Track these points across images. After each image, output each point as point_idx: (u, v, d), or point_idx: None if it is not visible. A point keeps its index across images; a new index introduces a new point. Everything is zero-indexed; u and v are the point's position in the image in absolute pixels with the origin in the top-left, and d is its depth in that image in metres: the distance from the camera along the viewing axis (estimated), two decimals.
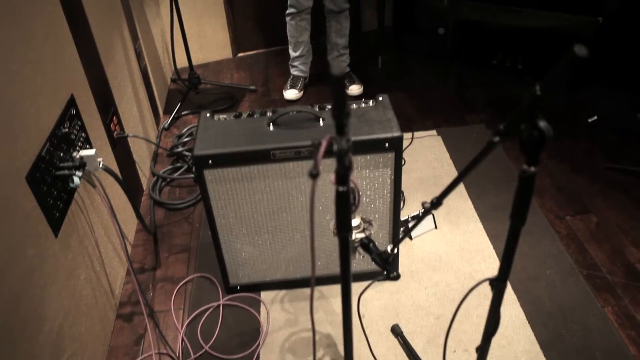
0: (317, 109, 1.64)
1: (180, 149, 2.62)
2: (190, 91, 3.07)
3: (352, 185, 0.85)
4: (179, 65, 3.33)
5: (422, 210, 2.09)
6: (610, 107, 2.79)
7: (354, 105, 1.64)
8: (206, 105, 3.11)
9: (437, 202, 1.06)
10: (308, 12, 2.92)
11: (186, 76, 3.08)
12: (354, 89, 3.03)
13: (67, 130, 1.59)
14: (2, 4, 1.30)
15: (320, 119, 1.58)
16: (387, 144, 1.51)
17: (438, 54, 3.30)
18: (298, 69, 3.14)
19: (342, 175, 0.77)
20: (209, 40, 3.58)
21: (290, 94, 3.08)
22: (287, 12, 2.94)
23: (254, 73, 3.46)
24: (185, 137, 2.74)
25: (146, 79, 2.76)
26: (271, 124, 1.58)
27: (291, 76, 3.17)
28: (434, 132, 2.66)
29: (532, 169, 0.82)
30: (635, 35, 2.80)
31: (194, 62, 3.38)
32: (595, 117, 2.66)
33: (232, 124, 1.61)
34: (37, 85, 1.45)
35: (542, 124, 0.78)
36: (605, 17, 2.53)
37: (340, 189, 0.79)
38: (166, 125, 2.89)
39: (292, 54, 3.11)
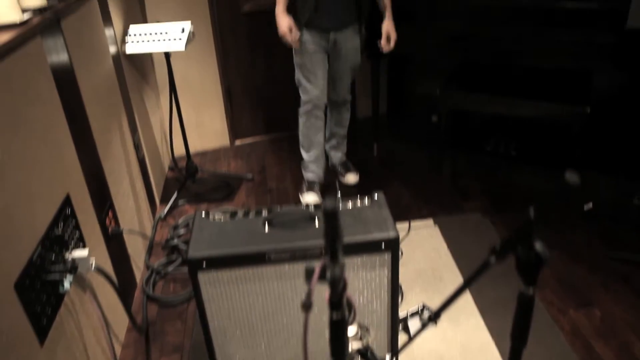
0: (313, 208, 1.64)
1: (175, 241, 2.60)
2: (188, 180, 3.09)
3: (347, 299, 0.82)
4: (176, 153, 3.39)
5: (421, 307, 2.04)
6: (604, 194, 2.81)
7: (350, 204, 1.64)
8: (203, 194, 3.12)
9: (435, 316, 1.03)
10: (322, 109, 2.79)
11: (184, 164, 3.12)
12: (350, 178, 3.06)
13: (60, 231, 1.57)
14: (3, 107, 1.33)
15: (316, 219, 1.57)
16: (383, 245, 1.49)
17: (432, 141, 3.37)
18: (314, 173, 2.93)
19: (336, 303, 0.75)
20: (207, 129, 3.65)
21: (310, 198, 2.89)
22: (301, 110, 2.79)
23: (251, 161, 3.50)
24: (182, 228, 2.72)
25: (144, 169, 2.79)
26: (266, 224, 1.57)
27: (306, 181, 2.96)
28: (430, 221, 2.65)
29: (531, 290, 0.81)
30: (623, 123, 2.88)
31: (192, 150, 3.44)
32: (591, 205, 2.67)
33: (227, 225, 1.60)
34: (33, 188, 1.45)
35: (538, 245, 0.78)
36: (593, 107, 2.60)
37: (335, 316, 0.76)
38: (162, 215, 2.88)
39: (306, 157, 2.91)
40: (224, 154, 3.64)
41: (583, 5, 2.60)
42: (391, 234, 1.49)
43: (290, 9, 2.54)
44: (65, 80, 1.79)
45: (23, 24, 1.44)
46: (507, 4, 2.76)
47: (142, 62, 3.08)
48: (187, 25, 2.61)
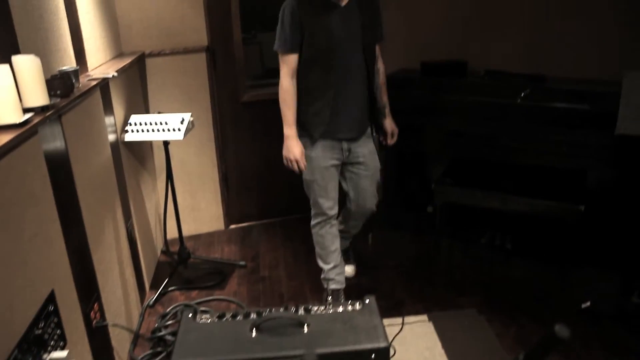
0: (302, 312, 1.60)
1: (162, 332, 2.52)
2: (179, 266, 3.05)
3: None
4: (170, 236, 3.37)
5: None
6: (602, 291, 2.76)
7: (340, 309, 1.60)
8: (195, 280, 3.06)
9: None
10: (336, 217, 2.62)
11: (176, 248, 3.09)
12: (348, 270, 2.98)
13: (40, 331, 1.52)
14: None
15: (305, 325, 1.53)
16: (373, 355, 1.45)
17: (427, 232, 3.36)
18: (336, 282, 2.68)
19: None
20: (202, 213, 3.65)
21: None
22: (313, 222, 2.63)
23: (244, 247, 3.47)
24: (169, 318, 2.65)
25: (135, 255, 2.75)
26: (254, 329, 1.52)
27: (329, 290, 2.70)
28: (425, 317, 2.59)
29: None
30: (620, 219, 2.88)
31: (186, 233, 3.43)
32: (589, 303, 2.62)
33: (214, 328, 1.56)
34: (16, 285, 1.42)
35: None
36: (588, 204, 2.62)
37: None
38: (151, 303, 2.81)
39: (325, 266, 2.67)
40: (217, 238, 3.61)
41: (575, 107, 2.69)
42: (381, 344, 1.45)
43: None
44: (60, 172, 1.80)
45: (23, 124, 1.47)
46: (502, 103, 2.84)
47: (141, 147, 3.12)
48: (187, 116, 2.68)
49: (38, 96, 1.61)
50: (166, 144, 2.76)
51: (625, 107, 2.51)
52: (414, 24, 3.53)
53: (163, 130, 2.64)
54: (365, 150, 2.54)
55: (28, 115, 1.52)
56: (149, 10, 3.17)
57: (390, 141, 2.68)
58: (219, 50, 3.38)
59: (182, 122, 2.66)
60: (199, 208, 3.63)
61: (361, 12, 2.35)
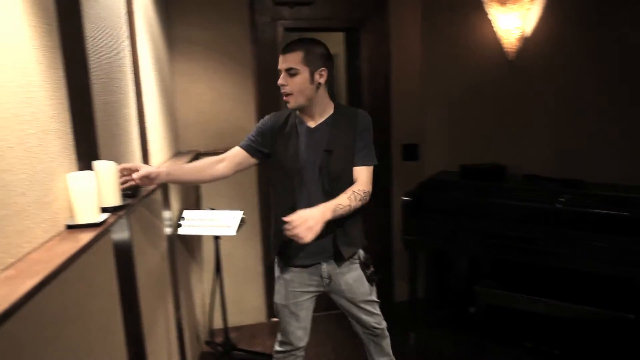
0: None
1: None
2: (224, 358, 3.09)
3: None
4: (214, 326, 3.43)
5: None
6: None
7: None
8: None
9: None
10: (303, 350, 2.39)
11: (220, 339, 3.14)
12: None
13: None
14: (69, 302, 1.45)
15: None
16: None
17: (470, 332, 3.31)
18: None
19: None
20: (246, 305, 3.73)
21: None
22: (276, 348, 2.40)
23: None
24: None
25: (181, 345, 2.82)
26: None
27: None
28: None
29: None
30: None
31: (230, 324, 3.48)
32: None
33: None
34: None
35: None
36: (638, 313, 2.56)
37: None
38: None
39: None
40: (260, 330, 3.65)
41: (615, 213, 2.71)
42: None
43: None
44: (125, 265, 1.94)
45: (101, 223, 1.63)
46: (540, 208, 2.89)
47: (192, 239, 3.29)
48: (239, 214, 2.84)
49: (113, 197, 1.79)
50: (217, 238, 2.90)
51: None
52: (453, 128, 3.70)
53: (216, 226, 2.79)
54: (349, 277, 2.25)
55: (105, 216, 1.68)
56: (206, 113, 3.46)
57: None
58: None
59: (233, 219, 2.82)
60: (243, 300, 3.71)
61: (330, 136, 2.14)
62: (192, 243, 3.32)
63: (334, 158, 2.13)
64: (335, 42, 5.92)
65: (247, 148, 2.26)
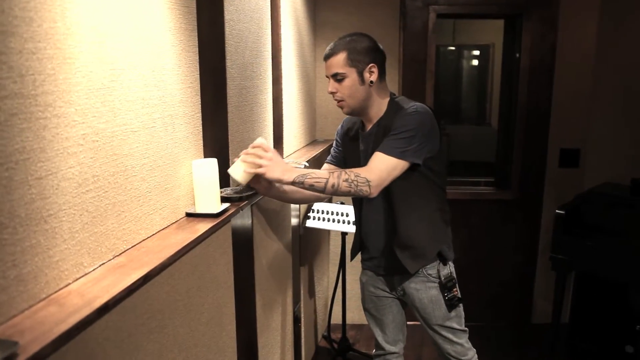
0: None
1: None
2: (339, 357, 3.00)
3: None
4: (333, 321, 3.35)
5: None
6: None
7: None
8: None
9: None
10: (398, 356, 2.27)
11: (338, 335, 3.05)
12: None
13: None
14: (181, 292, 1.41)
15: None
16: None
17: None
18: None
19: None
20: None
21: None
22: (374, 352, 2.32)
23: (406, 348, 3.29)
24: None
25: (297, 341, 2.77)
26: None
27: None
28: None
29: None
30: None
31: (350, 321, 3.38)
32: None
33: None
34: None
35: None
36: None
37: None
38: None
39: None
40: None
41: None
42: None
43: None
44: (243, 257, 1.89)
45: (220, 214, 1.57)
46: None
47: (319, 231, 3.21)
48: None
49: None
50: (344, 234, 2.79)
51: None
52: (625, 134, 3.18)
53: (344, 222, 2.67)
54: (424, 297, 2.03)
55: (225, 206, 1.63)
56: None
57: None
58: None
59: None
60: None
61: (375, 143, 1.93)
62: (320, 235, 3.25)
63: None
64: (492, 30, 5.46)
65: (335, 161, 2.16)
